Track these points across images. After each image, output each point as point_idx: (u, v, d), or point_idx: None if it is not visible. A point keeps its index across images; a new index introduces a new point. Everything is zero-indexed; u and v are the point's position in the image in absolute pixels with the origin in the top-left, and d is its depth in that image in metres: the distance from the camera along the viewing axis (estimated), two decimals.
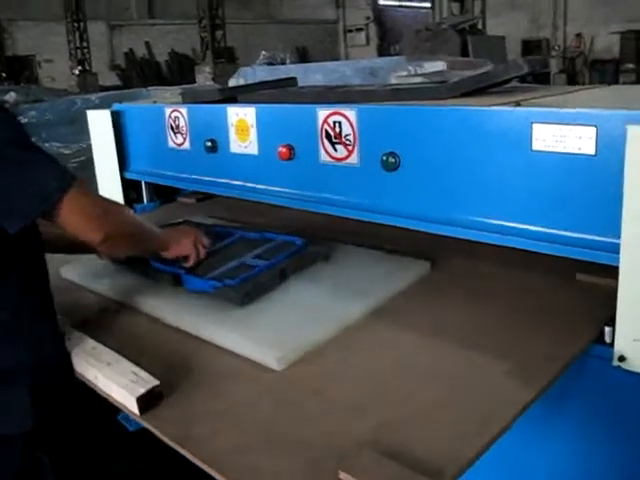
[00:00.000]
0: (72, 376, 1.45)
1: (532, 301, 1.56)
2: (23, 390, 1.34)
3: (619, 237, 1.29)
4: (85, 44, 17.09)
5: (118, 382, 1.28)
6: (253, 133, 2.06)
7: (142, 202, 2.79)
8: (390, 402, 1.22)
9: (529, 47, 19.93)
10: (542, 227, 1.44)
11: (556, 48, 19.44)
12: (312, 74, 4.14)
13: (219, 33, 13.44)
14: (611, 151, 1.29)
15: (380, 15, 23.72)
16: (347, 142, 1.78)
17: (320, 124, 1.83)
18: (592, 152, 1.33)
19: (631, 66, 17.12)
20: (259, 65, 6.71)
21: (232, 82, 3.70)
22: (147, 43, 19.38)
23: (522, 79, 2.38)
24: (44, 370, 1.38)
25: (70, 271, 1.95)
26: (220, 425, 1.18)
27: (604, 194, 1.32)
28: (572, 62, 18.71)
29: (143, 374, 1.28)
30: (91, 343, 1.45)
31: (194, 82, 13.37)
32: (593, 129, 1.32)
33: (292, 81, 2.34)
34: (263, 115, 2.02)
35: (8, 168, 1.25)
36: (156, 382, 1.26)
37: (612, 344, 1.34)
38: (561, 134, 1.36)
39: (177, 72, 18.43)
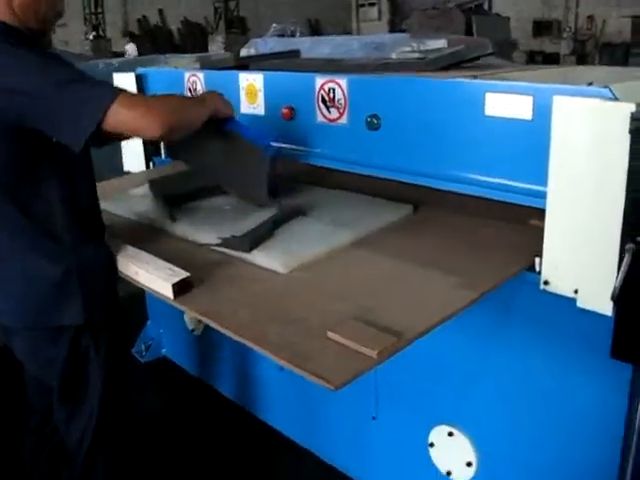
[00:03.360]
0: (115, 281, 1.81)
1: (489, 239, 1.90)
2: (75, 289, 1.70)
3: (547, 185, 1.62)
4: (100, 10, 17.27)
5: (156, 274, 1.63)
6: (261, 96, 2.39)
7: (160, 156, 3.13)
8: (367, 294, 1.59)
9: (540, 28, 19.96)
10: (493, 177, 1.78)
11: (567, 30, 19.49)
12: (320, 47, 4.43)
13: (232, 3, 13.64)
14: (543, 116, 1.62)
15: None
16: (339, 106, 2.11)
17: (317, 90, 2.16)
18: (529, 117, 1.67)
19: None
20: (270, 37, 6.93)
21: (244, 52, 3.97)
22: (160, 11, 19.50)
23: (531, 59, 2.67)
24: (92, 274, 1.74)
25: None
26: (237, 307, 1.54)
27: (538, 151, 1.65)
28: (582, 44, 18.78)
29: (177, 269, 1.64)
30: (132, 249, 1.80)
31: (206, 50, 13.58)
32: (530, 98, 1.65)
33: (296, 53, 2.68)
34: (270, 81, 2.35)
35: (63, 98, 1.50)
36: (187, 274, 1.61)
37: (540, 272, 1.68)
38: (507, 102, 1.70)
39: (189, 40, 18.54)
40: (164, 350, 3.46)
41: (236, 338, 1.42)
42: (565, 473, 1.85)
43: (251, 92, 2.43)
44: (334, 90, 2.11)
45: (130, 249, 1.81)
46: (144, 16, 19.34)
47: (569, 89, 1.57)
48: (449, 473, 2.09)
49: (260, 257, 1.78)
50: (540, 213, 1.73)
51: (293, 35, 7.16)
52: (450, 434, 2.05)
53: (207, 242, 1.89)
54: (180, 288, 1.60)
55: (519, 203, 1.75)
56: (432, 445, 2.11)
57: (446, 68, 2.10)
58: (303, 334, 1.40)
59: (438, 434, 2.09)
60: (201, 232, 1.96)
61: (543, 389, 1.83)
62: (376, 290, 1.62)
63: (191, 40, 18.72)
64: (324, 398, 2.49)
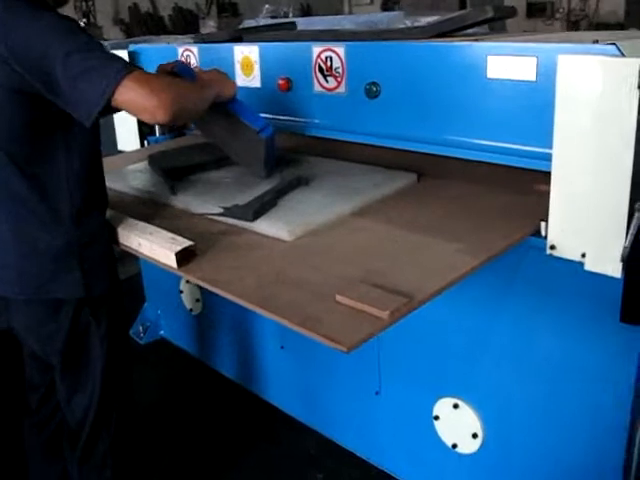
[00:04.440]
0: (114, 255, 1.77)
1: (494, 205, 1.86)
2: (76, 262, 1.67)
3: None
4: None
5: (159, 244, 1.60)
6: (256, 68, 2.35)
7: (154, 135, 3.08)
8: (373, 259, 1.55)
9: (533, 9, 19.82)
10: (497, 141, 1.74)
11: (560, 11, 19.32)
12: (313, 26, 4.37)
13: None
14: (547, 77, 1.58)
15: None
16: (336, 74, 2.07)
17: (314, 59, 2.12)
18: (533, 78, 1.63)
19: (634, 30, 17.12)
20: (263, 18, 6.85)
21: None
22: None
23: None
24: (93, 247, 1.70)
25: None
26: (243, 273, 1.50)
27: (543, 112, 1.61)
28: (576, 25, 18.60)
29: (179, 238, 1.60)
30: (134, 221, 1.77)
31: None
32: (534, 59, 1.61)
33: (291, 25, 2.62)
34: (265, 52, 2.30)
35: (77, 66, 1.43)
36: (191, 242, 1.57)
37: (546, 236, 1.65)
38: (510, 64, 1.66)
39: (181, 27, 18.27)
40: (162, 331, 3.43)
41: (242, 304, 1.38)
42: (573, 441, 1.83)
43: (247, 65, 2.38)
44: (331, 59, 2.07)
45: (131, 221, 1.78)
46: (135, 3, 19.06)
47: (574, 48, 1.53)
48: (455, 446, 2.07)
49: (264, 225, 1.74)
50: (545, 177, 1.70)
51: (286, 16, 7.07)
52: (455, 406, 2.03)
53: (209, 212, 1.85)
54: (183, 257, 1.56)
55: (524, 167, 1.72)
56: (437, 418, 2.09)
57: (442, 35, 2.05)
58: (311, 298, 1.37)
59: (443, 406, 2.07)
60: (203, 203, 1.92)
61: (550, 357, 1.80)
62: (382, 256, 1.58)
63: (183, 26, 18.44)
64: (326, 374, 2.46)
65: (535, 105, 1.64)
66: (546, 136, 1.59)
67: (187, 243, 1.59)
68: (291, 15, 7.29)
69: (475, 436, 2.00)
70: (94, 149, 1.76)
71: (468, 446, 2.04)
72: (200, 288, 2.98)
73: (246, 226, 1.78)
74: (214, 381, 3.05)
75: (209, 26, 13.57)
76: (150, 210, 1.99)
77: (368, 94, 1.97)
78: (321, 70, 2.10)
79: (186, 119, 1.69)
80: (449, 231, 1.70)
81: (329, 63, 2.07)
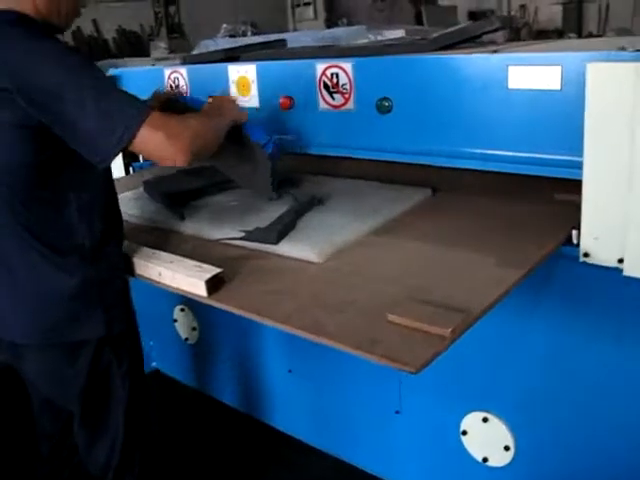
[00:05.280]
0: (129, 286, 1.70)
1: (517, 216, 1.85)
2: (94, 300, 1.58)
3: (581, 155, 1.57)
4: None
5: (185, 273, 1.53)
6: (254, 88, 2.30)
7: (138, 161, 2.99)
8: (409, 276, 1.51)
9: (475, 18, 20.21)
10: (519, 152, 1.73)
11: None
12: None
13: (172, 8, 13.36)
14: (573, 86, 1.58)
15: None
16: (344, 91, 2.03)
17: (318, 76, 2.08)
18: (558, 87, 1.62)
19: (573, 36, 17.56)
20: (222, 37, 6.79)
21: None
22: (94, 21, 18.95)
23: None
24: (111, 282, 1.62)
25: None
26: (279, 298, 1.44)
27: (568, 121, 1.61)
28: (517, 32, 19.03)
29: (206, 266, 1.54)
30: (150, 250, 1.70)
31: (147, 57, 13.19)
32: (559, 68, 1.61)
33: (283, 42, 2.59)
34: (264, 71, 2.26)
35: (88, 112, 1.37)
36: (219, 269, 1.51)
37: (578, 244, 1.64)
38: (532, 73, 1.65)
39: (126, 49, 18.06)
40: (154, 363, 3.32)
41: (289, 331, 1.33)
42: (608, 452, 1.81)
43: (243, 84, 2.33)
44: (337, 75, 2.03)
45: (147, 250, 1.71)
46: (78, 27, 18.75)
47: (601, 55, 1.53)
48: (485, 460, 2.04)
49: (288, 248, 1.70)
50: (565, 185, 1.70)
51: (244, 35, 7.02)
52: (485, 420, 2.00)
53: (229, 237, 1.79)
54: (213, 285, 1.50)
55: (549, 175, 1.71)
56: (465, 433, 2.06)
57: (448, 47, 2.05)
58: (360, 319, 1.32)
59: (471, 421, 2.03)
60: (217, 229, 1.86)
61: (584, 367, 1.78)
62: (418, 272, 1.55)
63: (128, 48, 18.21)
64: (341, 396, 2.41)
65: (561, 113, 1.63)
66: (575, 144, 1.59)
67: (216, 270, 1.53)
68: (249, 34, 7.25)
69: (507, 448, 1.98)
70: (106, 179, 1.68)
71: (500, 459, 2.01)
72: (196, 316, 2.90)
73: (269, 249, 1.73)
74: (214, 411, 2.96)
75: (160, 48, 13.36)
76: (157, 238, 1.92)
77: (380, 109, 1.94)
78: (326, 87, 2.07)
79: (206, 155, 1.63)
80: (477, 244, 1.68)
81: (335, 80, 2.04)
